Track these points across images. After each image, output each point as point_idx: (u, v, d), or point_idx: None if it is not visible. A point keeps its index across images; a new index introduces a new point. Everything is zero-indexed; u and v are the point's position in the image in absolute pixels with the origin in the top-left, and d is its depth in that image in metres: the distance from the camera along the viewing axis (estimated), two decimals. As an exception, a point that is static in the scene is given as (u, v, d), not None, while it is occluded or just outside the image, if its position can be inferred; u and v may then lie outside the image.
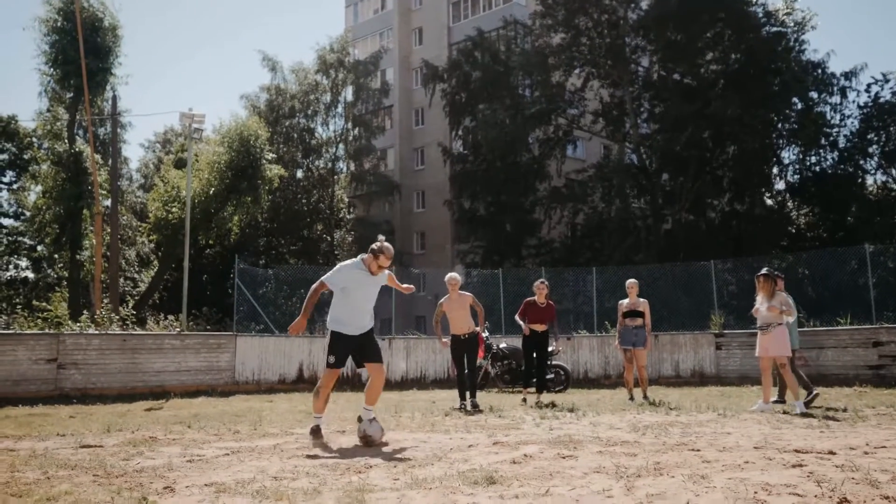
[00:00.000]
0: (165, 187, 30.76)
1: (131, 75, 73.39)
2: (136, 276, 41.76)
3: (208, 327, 25.81)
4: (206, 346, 17.16)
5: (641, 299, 12.35)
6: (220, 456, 6.46)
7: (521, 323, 11.95)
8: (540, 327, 11.89)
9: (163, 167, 36.08)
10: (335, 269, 7.56)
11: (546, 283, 12.05)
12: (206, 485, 5.10)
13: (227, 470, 5.71)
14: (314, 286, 7.41)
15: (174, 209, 29.73)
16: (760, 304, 10.35)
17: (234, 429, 8.68)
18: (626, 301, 12.44)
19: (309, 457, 6.36)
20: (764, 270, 10.47)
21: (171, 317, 22.53)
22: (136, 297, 36.06)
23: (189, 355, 16.78)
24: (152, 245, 39.82)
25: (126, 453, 6.69)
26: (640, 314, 12.21)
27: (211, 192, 29.94)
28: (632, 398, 12.18)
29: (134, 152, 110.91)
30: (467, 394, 11.12)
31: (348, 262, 7.56)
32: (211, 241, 34.47)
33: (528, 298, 12.07)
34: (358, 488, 4.87)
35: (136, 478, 5.40)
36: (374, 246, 7.38)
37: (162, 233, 30.87)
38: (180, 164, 33.76)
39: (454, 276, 11.29)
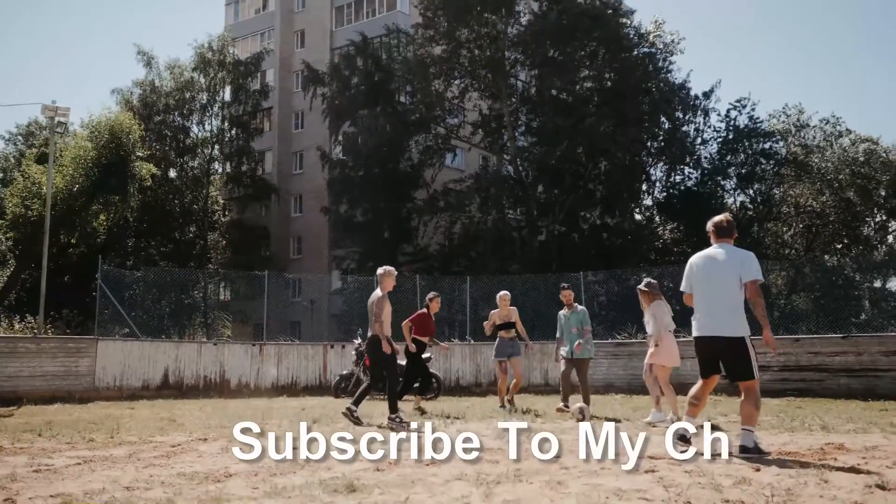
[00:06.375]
0: (25, 182, 29.23)
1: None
2: (-10, 274, 39.33)
3: (68, 331, 24.63)
4: (63, 349, 16.42)
5: (512, 307, 12.56)
6: (71, 465, 6.18)
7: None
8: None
9: (24, 161, 34.26)
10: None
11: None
12: (51, 496, 4.87)
13: (76, 480, 5.46)
14: None
15: (35, 206, 28.23)
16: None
17: (88, 437, 8.31)
18: (496, 312, 12.58)
19: (166, 466, 6.16)
20: (641, 285, 10.39)
21: (28, 317, 21.42)
22: (-10, 297, 34.02)
23: (45, 359, 16.00)
24: (9, 243, 37.71)
25: (-34, 464, 6.31)
26: (513, 325, 12.42)
27: (75, 188, 28.60)
28: (503, 405, 12.38)
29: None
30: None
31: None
32: (73, 241, 32.92)
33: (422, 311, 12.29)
34: (215, 498, 4.76)
35: (-26, 490, 5.09)
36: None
37: (20, 230, 29.30)
38: (43, 159, 32.07)
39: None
